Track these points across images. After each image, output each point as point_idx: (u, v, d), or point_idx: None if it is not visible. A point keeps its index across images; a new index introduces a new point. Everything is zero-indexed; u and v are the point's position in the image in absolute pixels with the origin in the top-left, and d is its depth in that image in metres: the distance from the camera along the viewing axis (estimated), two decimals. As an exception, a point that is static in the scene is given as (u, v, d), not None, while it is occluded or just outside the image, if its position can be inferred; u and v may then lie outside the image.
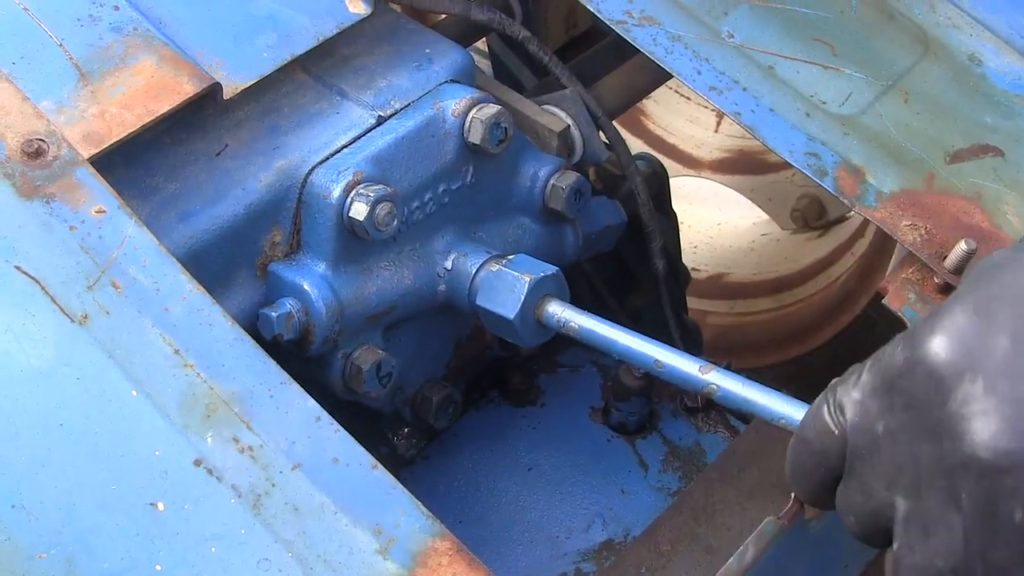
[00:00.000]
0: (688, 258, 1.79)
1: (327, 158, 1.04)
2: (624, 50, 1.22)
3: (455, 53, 1.14)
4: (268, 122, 1.05)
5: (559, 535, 1.15)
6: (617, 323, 1.03)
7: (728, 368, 0.97)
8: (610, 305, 1.38)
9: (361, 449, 0.85)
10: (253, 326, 1.01)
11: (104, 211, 0.91)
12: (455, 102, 1.08)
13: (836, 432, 0.81)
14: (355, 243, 1.04)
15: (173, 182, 1.00)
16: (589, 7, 1.13)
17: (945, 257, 1.01)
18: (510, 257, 1.09)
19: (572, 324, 1.05)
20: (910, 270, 1.03)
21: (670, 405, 1.24)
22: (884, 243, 2.04)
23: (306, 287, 1.02)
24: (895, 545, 0.79)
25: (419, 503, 0.84)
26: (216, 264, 1.01)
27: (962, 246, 0.99)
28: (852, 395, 0.80)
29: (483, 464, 1.20)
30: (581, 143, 1.19)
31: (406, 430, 1.21)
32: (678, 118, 2.39)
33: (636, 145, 2.33)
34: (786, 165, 1.10)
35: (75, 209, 0.90)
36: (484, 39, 1.50)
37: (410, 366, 1.16)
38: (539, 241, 1.18)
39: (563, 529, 1.15)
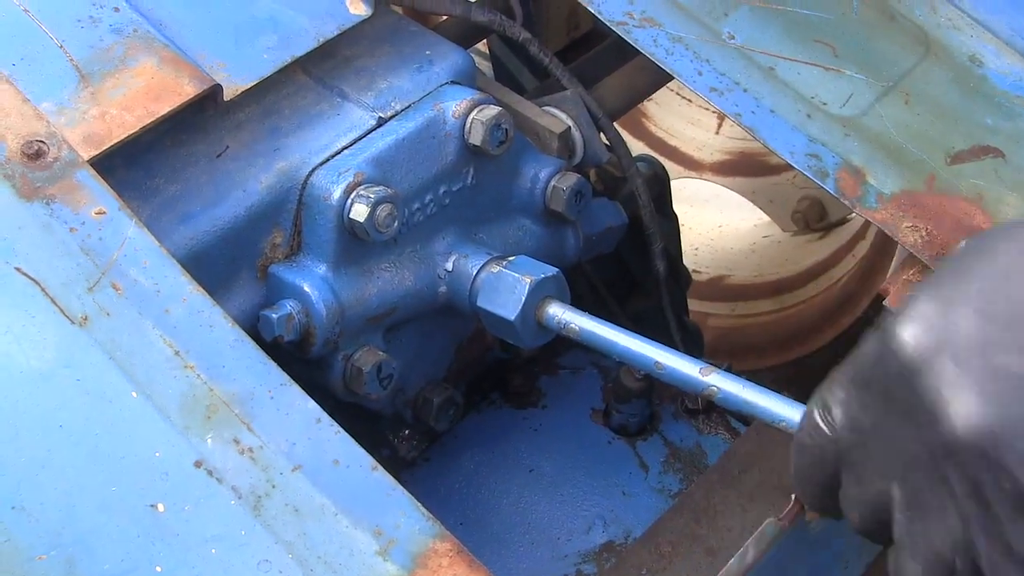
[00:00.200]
0: (689, 260, 1.79)
1: (328, 159, 1.04)
2: (625, 51, 1.22)
3: (456, 55, 1.14)
4: (269, 124, 1.05)
5: (560, 537, 1.15)
6: (618, 325, 1.03)
7: (729, 370, 0.97)
8: (611, 307, 1.37)
9: (361, 451, 0.85)
10: (254, 328, 1.01)
11: (104, 212, 0.91)
12: (456, 103, 1.08)
13: (829, 433, 0.82)
14: (356, 245, 1.04)
15: (174, 184, 1.00)
16: (590, 8, 1.13)
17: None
18: (511, 258, 1.09)
19: (573, 326, 1.05)
20: (911, 272, 1.03)
21: (671, 407, 1.24)
22: (885, 245, 2.04)
23: (307, 289, 1.02)
24: (895, 533, 0.80)
25: (419, 504, 0.84)
26: (217, 266, 1.01)
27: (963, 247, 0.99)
28: (837, 395, 0.81)
29: (484, 466, 1.20)
30: (582, 144, 1.19)
31: (407, 432, 1.21)
32: (679, 120, 2.39)
33: (637, 147, 2.33)
34: (787, 167, 1.10)
35: (75, 210, 0.90)
36: (485, 41, 1.50)
37: (411, 368, 1.16)
38: (540, 243, 1.18)
39: (564, 531, 1.15)
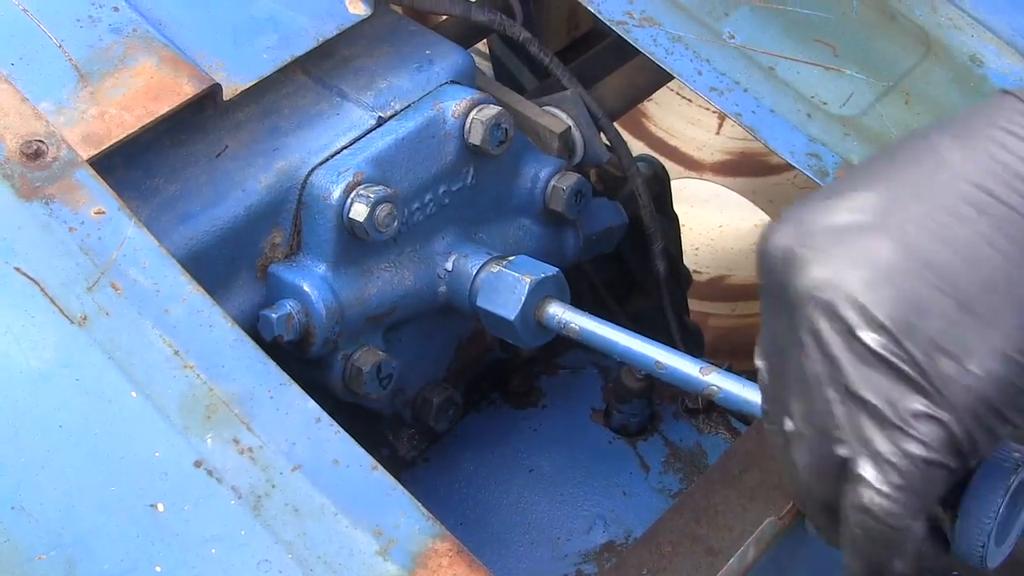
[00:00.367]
0: (689, 260, 1.79)
1: (327, 159, 1.04)
2: (625, 51, 1.22)
3: (456, 54, 1.14)
4: (268, 123, 1.05)
5: (560, 537, 1.15)
6: (618, 325, 1.03)
7: (729, 370, 0.97)
8: (611, 307, 1.37)
9: (361, 450, 0.85)
10: (253, 327, 1.01)
11: (104, 212, 0.90)
12: (455, 103, 1.08)
13: (760, 367, 0.88)
14: (355, 244, 1.04)
15: (173, 183, 1.00)
16: (589, 8, 1.13)
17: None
18: (511, 258, 1.09)
19: (573, 325, 1.05)
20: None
21: (671, 407, 1.24)
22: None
23: (306, 288, 1.02)
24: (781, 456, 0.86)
25: (419, 504, 0.83)
26: (216, 265, 1.01)
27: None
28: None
29: (484, 466, 1.20)
30: (582, 144, 1.19)
31: (407, 432, 1.21)
32: (679, 120, 2.38)
33: (637, 147, 2.33)
34: (787, 167, 1.10)
35: (74, 210, 0.90)
36: (485, 40, 1.50)
37: (411, 368, 1.16)
38: (540, 242, 1.18)
39: (564, 531, 1.15)
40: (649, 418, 1.22)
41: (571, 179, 1.15)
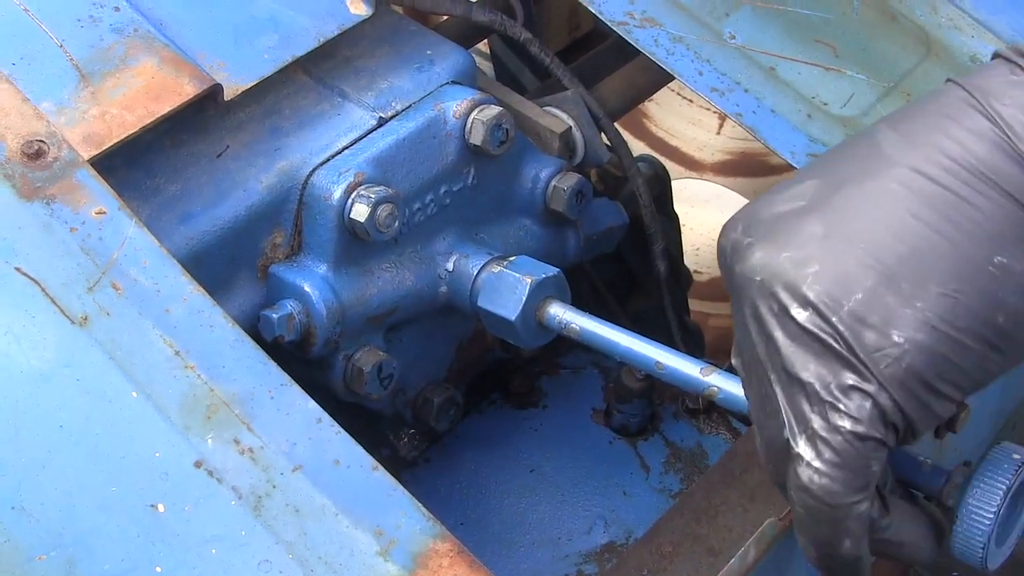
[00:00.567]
0: (690, 260, 1.78)
1: (328, 159, 1.04)
2: (626, 52, 1.22)
3: (456, 55, 1.14)
4: (269, 123, 1.05)
5: (561, 537, 1.15)
6: (619, 325, 1.03)
7: (729, 370, 0.97)
8: (611, 307, 1.37)
9: (362, 451, 0.85)
10: (254, 328, 1.01)
11: (104, 212, 0.91)
12: (456, 103, 1.08)
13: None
14: (356, 245, 1.04)
15: (174, 183, 1.00)
16: (590, 8, 1.13)
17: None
18: (511, 259, 1.09)
19: (573, 326, 1.05)
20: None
21: (672, 407, 1.24)
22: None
23: (307, 289, 1.02)
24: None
25: (420, 505, 0.83)
26: (217, 266, 1.01)
27: None
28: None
29: (485, 466, 1.20)
30: (583, 144, 1.19)
31: (407, 432, 1.21)
32: (680, 121, 2.38)
33: (638, 147, 2.33)
34: (788, 167, 1.10)
35: (75, 210, 0.90)
36: (486, 41, 1.50)
37: (411, 368, 1.16)
38: (540, 242, 1.18)
39: (565, 531, 1.15)
40: (650, 418, 1.22)
41: (572, 179, 1.15)
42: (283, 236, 1.04)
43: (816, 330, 0.78)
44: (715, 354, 1.56)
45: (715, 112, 2.30)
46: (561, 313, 1.06)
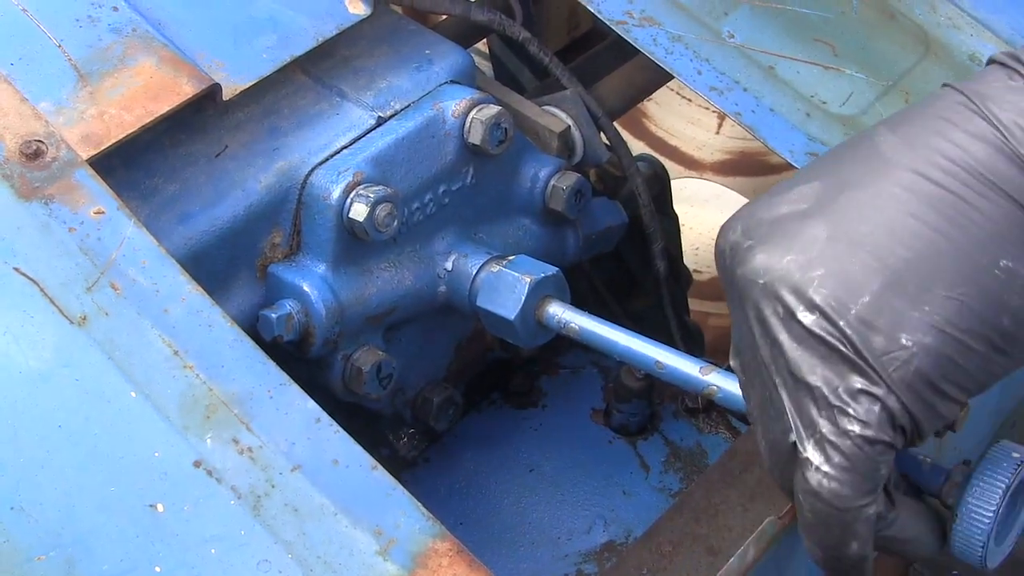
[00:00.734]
0: (689, 260, 1.78)
1: (327, 159, 1.04)
2: (625, 51, 1.22)
3: (455, 54, 1.13)
4: (268, 123, 1.05)
5: (560, 536, 1.15)
6: (618, 324, 1.03)
7: (728, 369, 0.97)
8: (611, 306, 1.37)
9: (361, 450, 0.85)
10: (253, 327, 1.01)
11: (103, 212, 0.90)
12: (455, 103, 1.08)
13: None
14: (355, 244, 1.04)
15: (172, 183, 1.00)
16: (589, 8, 1.13)
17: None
18: (510, 258, 1.09)
19: (573, 325, 1.05)
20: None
21: (671, 406, 1.24)
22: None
23: (306, 288, 1.02)
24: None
25: (419, 504, 0.83)
26: (216, 265, 1.00)
27: None
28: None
29: (484, 466, 1.20)
30: (582, 144, 1.19)
31: (407, 431, 1.21)
32: (679, 120, 2.38)
33: (637, 147, 2.33)
34: (787, 166, 1.10)
35: (74, 210, 0.90)
36: (485, 40, 1.50)
37: (411, 367, 1.16)
38: (539, 242, 1.18)
39: (564, 530, 1.15)
40: (649, 418, 1.22)
41: (571, 179, 1.15)
42: (282, 236, 1.04)
43: (823, 334, 0.78)
44: (715, 353, 1.56)
45: (714, 111, 2.30)
46: (560, 312, 1.06)
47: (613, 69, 1.33)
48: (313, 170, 1.03)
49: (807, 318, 0.79)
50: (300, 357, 1.03)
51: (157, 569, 0.79)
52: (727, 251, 0.84)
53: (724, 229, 0.85)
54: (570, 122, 1.18)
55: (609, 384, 1.25)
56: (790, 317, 0.79)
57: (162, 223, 0.98)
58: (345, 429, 0.86)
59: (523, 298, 1.05)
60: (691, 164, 2.38)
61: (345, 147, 1.05)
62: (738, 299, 0.83)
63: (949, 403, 0.79)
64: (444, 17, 1.31)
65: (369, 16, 1.09)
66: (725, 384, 0.96)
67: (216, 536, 0.80)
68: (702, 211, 2.37)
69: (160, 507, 0.81)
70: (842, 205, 0.81)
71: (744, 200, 2.34)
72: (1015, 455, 0.86)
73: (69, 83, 0.96)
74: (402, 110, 1.08)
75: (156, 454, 0.82)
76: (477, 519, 1.16)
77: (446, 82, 1.11)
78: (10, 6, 0.98)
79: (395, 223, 1.03)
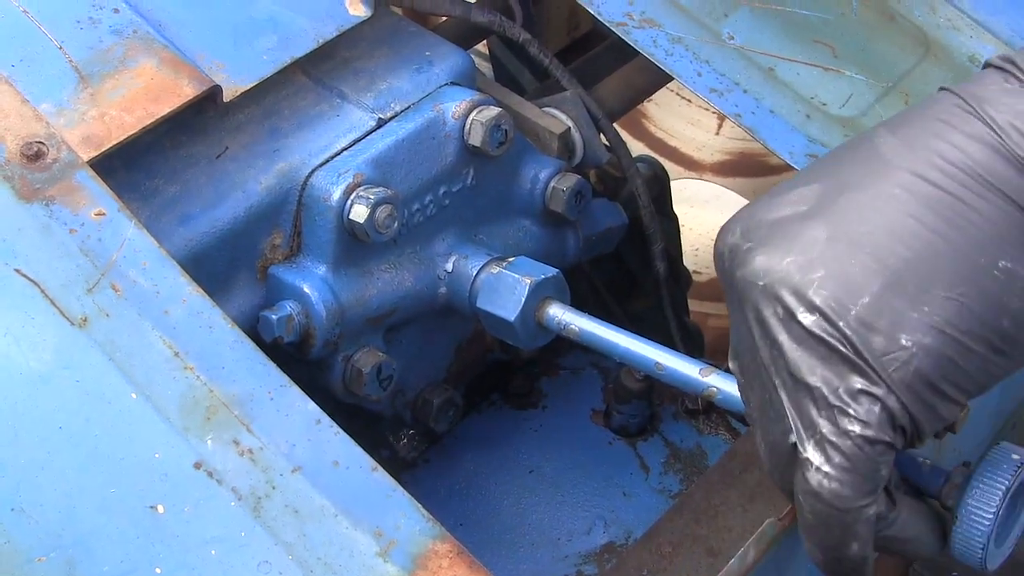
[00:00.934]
0: (689, 261, 1.79)
1: (327, 161, 1.04)
2: (625, 52, 1.22)
3: (455, 55, 1.14)
4: (268, 125, 1.05)
5: (560, 538, 1.15)
6: (618, 326, 1.03)
7: (728, 371, 0.97)
8: (611, 307, 1.37)
9: (361, 452, 0.85)
10: (253, 329, 1.01)
11: (104, 214, 0.91)
12: (455, 104, 1.08)
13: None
14: (355, 245, 1.04)
15: (173, 185, 1.00)
16: (589, 9, 1.13)
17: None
18: (511, 259, 1.09)
19: (573, 326, 1.05)
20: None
21: (671, 407, 1.24)
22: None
23: (306, 290, 1.02)
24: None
25: (419, 505, 0.83)
26: (216, 267, 1.01)
27: None
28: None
29: (484, 467, 1.20)
30: (582, 145, 1.19)
31: (407, 433, 1.21)
32: (679, 121, 2.38)
33: (637, 148, 2.33)
34: (787, 167, 1.10)
35: (75, 212, 0.90)
36: (485, 42, 1.50)
37: (411, 369, 1.16)
38: (540, 243, 1.18)
39: (564, 531, 1.15)
40: (649, 419, 1.22)
41: (571, 180, 1.15)
42: (282, 237, 1.04)
43: (823, 334, 0.79)
44: (714, 355, 1.56)
45: (714, 112, 2.31)
46: (560, 314, 1.06)
47: (613, 70, 1.33)
48: (313, 171, 1.03)
49: (807, 319, 0.79)
50: (300, 358, 1.03)
51: (157, 570, 0.79)
52: (727, 253, 0.84)
53: (723, 231, 0.85)
54: (570, 123, 1.18)
55: (609, 385, 1.25)
56: (790, 318, 0.80)
57: (163, 224, 0.98)
58: (345, 430, 0.86)
59: (523, 299, 1.05)
60: (691, 165, 2.38)
61: (345, 148, 1.05)
62: (737, 301, 0.83)
63: (949, 404, 0.79)
64: (444, 19, 1.31)
65: (369, 18, 1.09)
66: (725, 385, 0.96)
67: (216, 537, 0.80)
68: (702, 212, 2.37)
69: (160, 508, 0.81)
70: (842, 206, 0.81)
71: (744, 201, 2.34)
72: (1015, 457, 0.86)
73: (70, 84, 0.96)
74: (402, 112, 1.08)
75: (157, 455, 0.83)
76: (477, 520, 1.16)
77: (446, 84, 1.11)
78: (11, 7, 0.98)
79: (395, 224, 1.03)
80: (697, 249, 2.30)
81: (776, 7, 1.16)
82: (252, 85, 1.02)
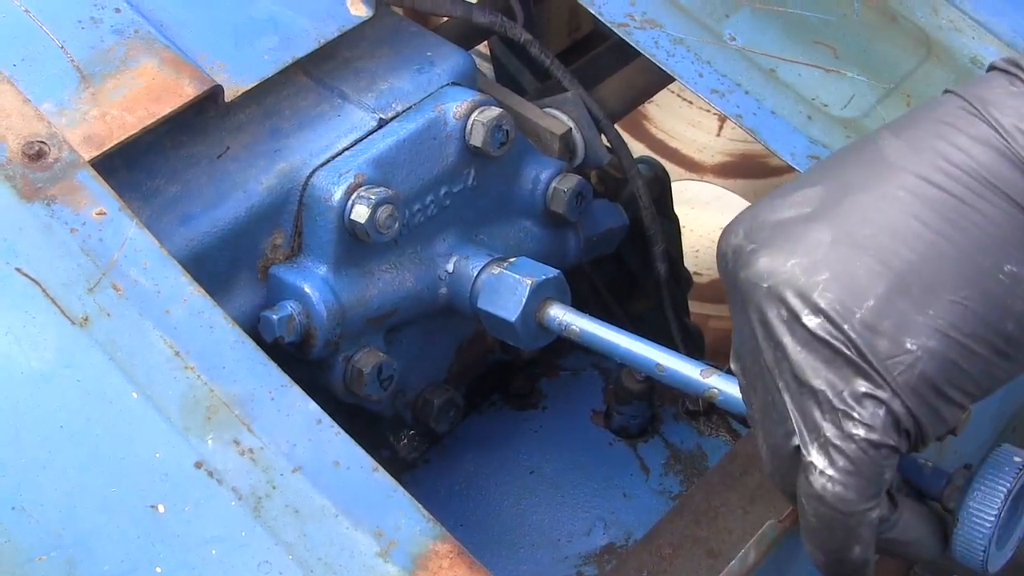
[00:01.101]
0: (690, 262, 1.78)
1: (328, 161, 1.04)
2: (626, 53, 1.22)
3: (457, 56, 1.14)
4: (269, 125, 1.05)
5: (560, 539, 1.15)
6: (619, 327, 1.03)
7: (729, 372, 0.97)
8: (612, 308, 1.37)
9: (362, 452, 0.85)
10: (254, 329, 1.01)
11: (105, 213, 0.91)
12: (456, 105, 1.08)
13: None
14: (356, 246, 1.04)
15: (174, 185, 1.00)
16: (591, 10, 1.13)
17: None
18: (511, 260, 1.09)
19: (573, 327, 1.05)
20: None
21: (672, 409, 1.24)
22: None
23: (307, 290, 1.02)
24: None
25: (420, 506, 0.83)
26: (217, 267, 1.01)
27: None
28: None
29: (484, 468, 1.20)
30: (583, 146, 1.19)
31: (407, 433, 1.21)
32: (680, 122, 2.38)
33: (638, 149, 2.33)
34: (788, 168, 1.10)
35: (76, 211, 0.90)
36: (486, 42, 1.50)
37: (411, 369, 1.16)
38: (540, 244, 1.18)
39: (564, 533, 1.15)
40: (650, 420, 1.22)
41: (572, 181, 1.15)
42: (283, 237, 1.04)
43: (828, 337, 0.78)
44: (715, 356, 1.56)
45: (715, 114, 2.31)
46: (561, 315, 1.06)
47: (614, 71, 1.33)
48: (314, 172, 1.03)
49: (812, 321, 0.79)
50: (301, 358, 1.03)
51: (158, 570, 0.79)
52: (729, 254, 0.84)
53: (726, 232, 0.85)
54: (571, 124, 1.18)
55: (609, 386, 1.25)
56: (794, 321, 0.79)
57: (164, 224, 0.98)
58: (346, 431, 0.86)
59: (524, 300, 1.05)
60: (692, 166, 2.38)
61: (346, 149, 1.05)
62: (740, 302, 0.83)
63: (953, 407, 0.79)
64: (445, 19, 1.31)
65: (370, 18, 1.09)
66: (726, 387, 0.96)
67: (217, 537, 0.80)
68: (703, 213, 2.37)
69: (161, 508, 0.81)
70: (846, 208, 0.81)
71: (745, 203, 2.34)
72: (1016, 459, 0.86)
73: (71, 84, 0.96)
74: (403, 112, 1.08)
75: (157, 455, 0.83)
76: (477, 521, 1.16)
77: (447, 84, 1.11)
78: (12, 7, 0.98)
79: (396, 225, 1.03)
80: (698, 250, 2.30)
81: (778, 8, 1.16)
82: (253, 85, 1.02)
